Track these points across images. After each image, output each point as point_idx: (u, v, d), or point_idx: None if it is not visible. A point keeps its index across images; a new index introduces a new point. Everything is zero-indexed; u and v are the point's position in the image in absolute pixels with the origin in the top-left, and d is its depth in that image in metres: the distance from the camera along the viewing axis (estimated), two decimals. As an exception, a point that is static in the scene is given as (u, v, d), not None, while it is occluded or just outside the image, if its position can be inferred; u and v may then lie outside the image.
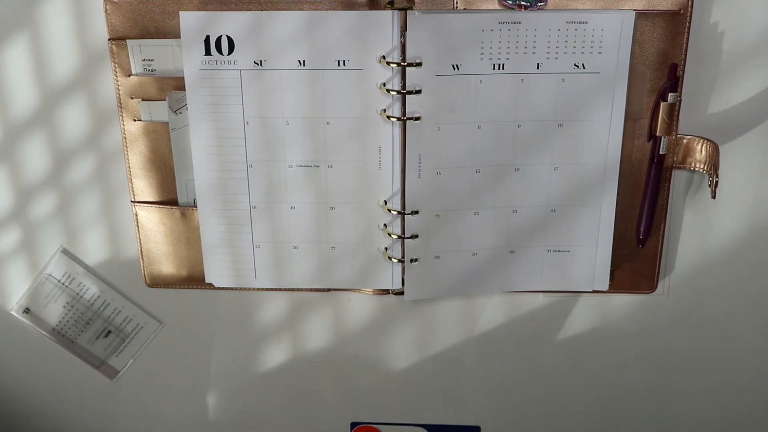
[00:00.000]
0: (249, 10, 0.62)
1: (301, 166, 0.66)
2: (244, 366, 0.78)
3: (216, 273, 0.70)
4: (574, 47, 0.62)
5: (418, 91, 0.62)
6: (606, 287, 0.69)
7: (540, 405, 0.78)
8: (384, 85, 0.62)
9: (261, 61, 0.63)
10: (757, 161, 0.67)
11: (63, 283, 0.74)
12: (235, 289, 0.73)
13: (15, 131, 0.69)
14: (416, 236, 0.67)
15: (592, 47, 0.62)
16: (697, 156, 0.65)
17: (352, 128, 0.64)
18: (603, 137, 0.64)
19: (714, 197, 0.64)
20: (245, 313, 0.75)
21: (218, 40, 0.62)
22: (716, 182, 0.63)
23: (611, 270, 0.69)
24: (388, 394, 0.78)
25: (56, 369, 0.78)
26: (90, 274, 0.74)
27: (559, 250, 0.69)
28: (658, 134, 0.65)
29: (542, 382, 0.77)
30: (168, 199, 0.70)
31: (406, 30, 0.61)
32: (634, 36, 0.61)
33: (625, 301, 0.73)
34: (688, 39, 0.62)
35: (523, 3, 0.61)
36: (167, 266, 0.72)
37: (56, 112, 0.68)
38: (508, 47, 0.62)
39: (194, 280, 0.72)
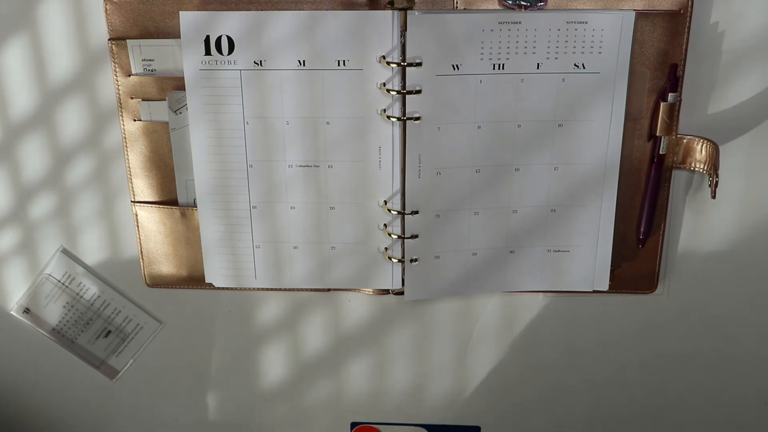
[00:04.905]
0: (249, 10, 0.62)
1: (301, 166, 0.66)
2: (243, 366, 0.78)
3: (216, 273, 0.70)
4: (574, 47, 0.62)
5: (418, 91, 0.62)
6: (606, 287, 0.69)
7: (540, 405, 0.78)
8: (384, 85, 0.62)
9: (261, 61, 0.63)
10: (757, 161, 0.67)
11: (63, 283, 0.74)
12: (235, 289, 0.73)
13: (15, 131, 0.69)
14: (416, 236, 0.67)
15: (592, 47, 0.62)
16: (697, 156, 0.65)
17: (352, 128, 0.64)
18: (603, 137, 0.64)
19: (714, 197, 0.64)
20: (245, 313, 0.75)
21: (218, 40, 0.62)
22: (716, 182, 0.63)
23: (611, 270, 0.69)
24: (388, 394, 0.78)
25: (56, 369, 0.78)
26: (90, 274, 0.74)
27: (558, 250, 0.69)
28: (658, 134, 0.65)
29: (542, 382, 0.77)
30: (168, 199, 0.70)
31: (406, 30, 0.61)
32: (634, 36, 0.61)
33: (625, 301, 0.73)
34: (688, 39, 0.62)
35: (523, 3, 0.61)
36: (167, 266, 0.72)
37: (56, 112, 0.68)
38: (508, 47, 0.62)
39: (194, 280, 0.72)
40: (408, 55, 0.61)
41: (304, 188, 0.67)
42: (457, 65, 0.62)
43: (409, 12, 0.60)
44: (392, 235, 0.67)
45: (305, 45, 0.62)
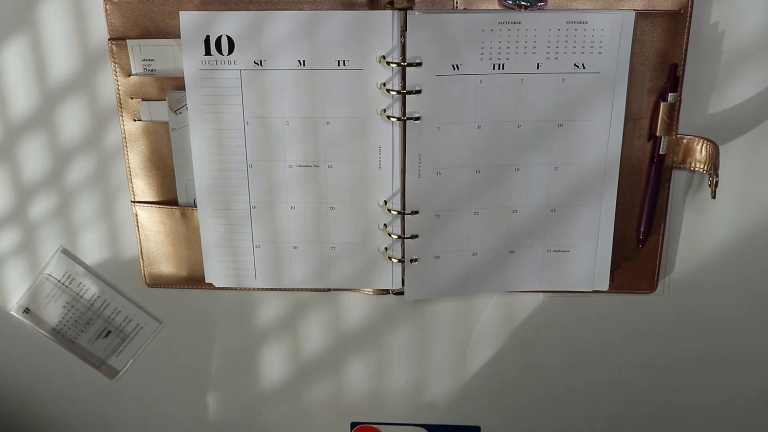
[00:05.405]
0: (249, 10, 0.62)
1: (300, 166, 0.66)
2: (243, 366, 0.78)
3: (216, 273, 0.70)
4: (574, 47, 0.62)
5: (418, 91, 0.62)
6: (606, 287, 0.69)
7: (540, 405, 0.78)
8: (384, 85, 0.62)
9: (261, 61, 0.63)
10: (757, 161, 0.67)
11: (63, 283, 0.74)
12: (235, 289, 0.73)
13: (15, 131, 0.69)
14: (416, 236, 0.67)
15: (592, 47, 0.62)
16: (697, 156, 0.65)
17: (352, 128, 0.64)
18: (603, 137, 0.64)
19: (714, 197, 0.64)
20: (245, 313, 0.75)
21: (218, 40, 0.62)
22: (716, 182, 0.63)
23: (611, 270, 0.69)
24: (388, 394, 0.78)
25: (56, 369, 0.78)
26: (90, 274, 0.74)
27: (558, 250, 0.69)
28: (658, 134, 0.65)
29: (542, 381, 0.77)
30: (168, 199, 0.70)
31: (406, 30, 0.61)
32: (634, 36, 0.61)
33: (625, 301, 0.73)
34: (688, 39, 0.62)
35: (523, 3, 0.61)
36: (167, 266, 0.72)
37: (56, 112, 0.68)
38: (508, 47, 0.62)
39: (194, 280, 0.72)
40: (408, 55, 0.61)
41: (304, 188, 0.67)
42: (457, 65, 0.62)
43: (409, 12, 0.60)
44: (392, 235, 0.67)
45: (305, 45, 0.62)
